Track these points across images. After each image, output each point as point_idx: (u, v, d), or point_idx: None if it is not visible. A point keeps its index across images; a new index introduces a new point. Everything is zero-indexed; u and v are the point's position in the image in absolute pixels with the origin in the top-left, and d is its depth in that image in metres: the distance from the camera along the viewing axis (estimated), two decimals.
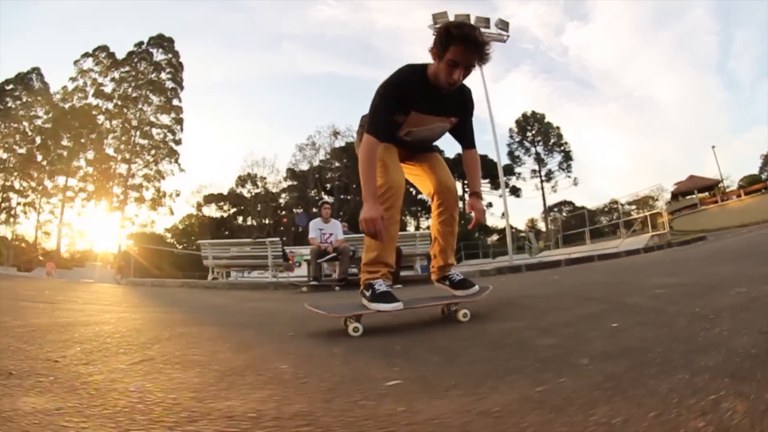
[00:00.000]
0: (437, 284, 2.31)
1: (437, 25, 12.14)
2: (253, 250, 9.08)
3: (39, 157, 36.39)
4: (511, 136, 46.24)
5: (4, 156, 35.91)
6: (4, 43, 48.54)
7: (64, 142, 36.13)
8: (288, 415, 0.91)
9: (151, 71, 39.18)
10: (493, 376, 1.11)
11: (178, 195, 40.40)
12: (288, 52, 65.69)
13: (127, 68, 38.50)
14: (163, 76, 39.78)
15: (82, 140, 36.29)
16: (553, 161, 45.66)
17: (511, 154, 45.64)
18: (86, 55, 37.80)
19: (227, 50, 68.23)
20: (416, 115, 2.04)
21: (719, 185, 34.54)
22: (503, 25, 12.97)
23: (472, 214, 2.20)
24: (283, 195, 44.61)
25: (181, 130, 40.10)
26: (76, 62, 37.66)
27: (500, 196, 43.23)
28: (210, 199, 44.07)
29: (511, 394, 0.96)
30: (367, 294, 1.99)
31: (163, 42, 39.95)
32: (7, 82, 36.28)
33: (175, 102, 40.06)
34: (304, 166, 43.45)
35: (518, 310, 2.44)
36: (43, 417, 0.90)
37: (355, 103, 60.12)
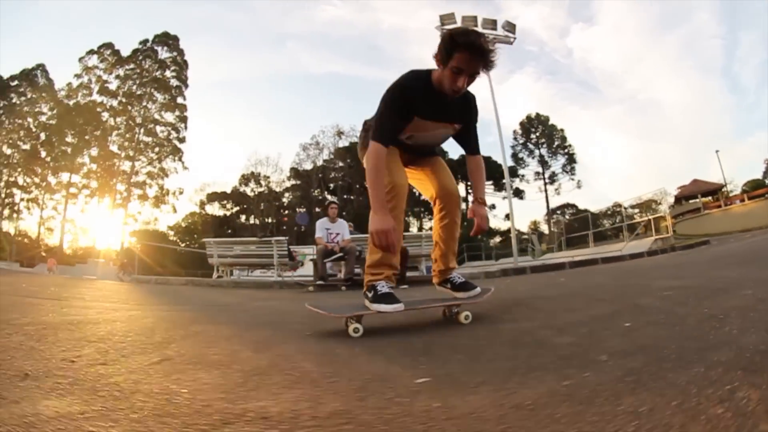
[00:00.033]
0: (439, 288, 2.30)
1: (444, 27, 12.21)
2: (259, 249, 9.14)
3: (43, 154, 36.59)
4: (515, 138, 46.30)
5: (8, 152, 36.09)
6: (10, 39, 48.70)
7: (68, 139, 36.31)
8: (325, 414, 0.91)
9: (155, 69, 39.37)
10: (519, 373, 1.14)
11: (181, 193, 40.76)
12: (293, 51, 65.96)
13: (131, 66, 38.67)
14: (168, 74, 39.99)
15: (86, 137, 36.44)
16: (557, 164, 45.74)
17: (514, 156, 45.64)
18: (91, 52, 38.03)
19: (232, 49, 68.32)
20: (420, 121, 2.03)
21: (723, 189, 34.49)
22: (510, 27, 12.98)
23: (475, 220, 2.18)
24: (287, 194, 44.76)
25: (185, 128, 40.38)
26: (81, 59, 37.94)
27: (504, 198, 43.40)
28: (213, 197, 44.22)
29: (540, 388, 1.00)
30: (369, 295, 1.98)
31: (168, 40, 40.11)
32: (12, 78, 36.54)
33: (179, 100, 40.30)
34: (308, 166, 43.63)
35: (530, 311, 2.47)
36: (68, 422, 0.86)
37: (359, 103, 60.37)
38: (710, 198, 33.67)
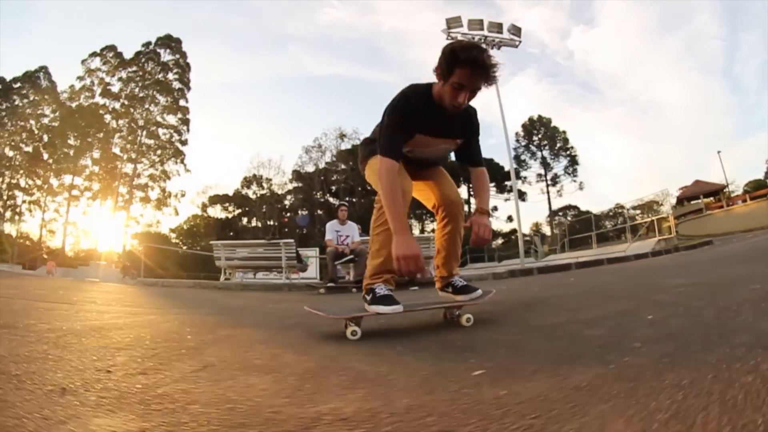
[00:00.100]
0: (441, 293, 2.29)
1: (450, 30, 12.30)
2: (266, 251, 9.18)
3: (45, 156, 36.66)
4: (517, 140, 46.26)
5: (11, 154, 36.18)
6: (12, 41, 48.93)
7: (71, 141, 36.39)
8: (401, 410, 0.91)
9: (158, 71, 39.41)
10: (564, 361, 1.22)
11: (183, 195, 40.74)
12: (294, 53, 66.26)
13: (134, 68, 38.73)
14: (171, 76, 40.02)
15: (89, 139, 36.53)
16: (559, 165, 45.78)
17: (517, 158, 45.60)
18: (94, 54, 38.11)
19: (234, 51, 68.62)
20: (421, 137, 2.01)
21: (725, 190, 34.53)
22: (515, 30, 12.99)
23: (473, 229, 2.06)
24: (289, 197, 44.76)
25: (188, 130, 40.37)
26: (83, 61, 37.99)
27: (506, 200, 43.63)
28: (215, 199, 44.24)
29: (589, 372, 1.08)
30: (368, 298, 1.98)
31: (170, 42, 40.21)
32: (15, 80, 36.66)
33: (181, 102, 40.29)
34: (310, 168, 43.56)
35: (552, 308, 2.54)
36: None
37: (361, 106, 60.66)
38: (712, 199, 33.70)
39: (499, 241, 43.44)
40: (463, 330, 1.92)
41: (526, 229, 46.51)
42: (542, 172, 45.67)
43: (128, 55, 38.76)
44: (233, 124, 68.06)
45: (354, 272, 6.55)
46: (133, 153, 38.34)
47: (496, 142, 55.37)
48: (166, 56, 40.05)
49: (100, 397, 1.03)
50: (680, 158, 66.69)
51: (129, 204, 38.01)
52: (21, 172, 36.46)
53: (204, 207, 44.34)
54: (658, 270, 4.97)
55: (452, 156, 2.25)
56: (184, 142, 40.09)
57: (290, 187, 44.42)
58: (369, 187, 2.16)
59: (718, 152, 35.86)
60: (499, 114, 13.41)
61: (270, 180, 43.50)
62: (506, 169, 43.94)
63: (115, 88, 38.03)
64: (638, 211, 31.39)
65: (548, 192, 45.15)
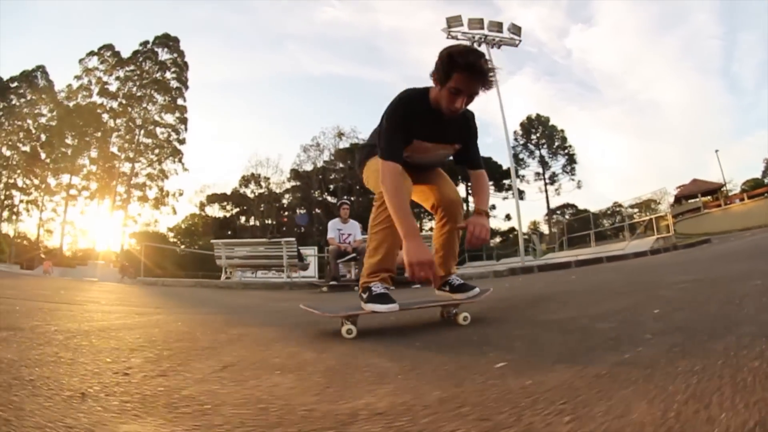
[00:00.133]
0: (438, 292, 2.26)
1: (451, 30, 12.34)
2: (268, 250, 9.21)
3: (43, 155, 36.56)
4: (515, 139, 46.42)
5: (8, 153, 36.07)
6: (10, 40, 48.72)
7: (68, 141, 36.30)
8: (435, 402, 0.92)
9: (156, 70, 39.39)
10: (581, 353, 1.27)
11: (181, 194, 40.77)
12: (292, 52, 66.26)
13: (132, 67, 38.68)
14: (168, 75, 40.03)
15: (86, 139, 36.45)
16: (557, 164, 45.98)
17: (515, 156, 45.73)
18: (91, 53, 38.07)
19: (232, 50, 68.65)
20: (419, 143, 1.99)
21: (722, 189, 34.74)
22: (515, 29, 13.05)
23: (468, 228, 2.02)
24: (287, 195, 44.77)
25: (185, 129, 40.39)
26: (81, 61, 37.95)
27: (505, 198, 43.76)
28: (213, 198, 44.26)
29: (607, 361, 1.13)
30: (365, 296, 1.97)
31: (168, 41, 40.15)
32: (12, 79, 36.51)
33: (179, 101, 40.29)
34: (308, 167, 43.53)
35: (559, 304, 2.59)
36: None
37: (360, 105, 60.78)
38: (710, 197, 33.90)
39: (497, 239, 43.58)
40: (476, 326, 1.94)
41: (524, 227, 46.66)
42: (540, 170, 45.95)
43: (126, 54, 38.80)
44: (231, 123, 68.04)
45: (356, 270, 6.59)
46: (131, 152, 38.32)
47: (493, 141, 55.42)
48: (163, 55, 40.08)
49: (123, 402, 0.98)
50: (678, 157, 67.13)
51: (127, 203, 38.06)
52: (18, 171, 36.36)
53: (202, 206, 44.44)
54: (659, 268, 5.02)
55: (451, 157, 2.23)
56: (181, 141, 40.15)
57: (288, 186, 44.49)
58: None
59: (716, 151, 36.10)
60: (496, 113, 13.45)
61: (268, 179, 43.58)
62: (504, 167, 44.20)
63: (113, 87, 38.07)
64: (636, 210, 31.55)
65: (546, 190, 45.40)
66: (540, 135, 46.79)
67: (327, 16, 63.44)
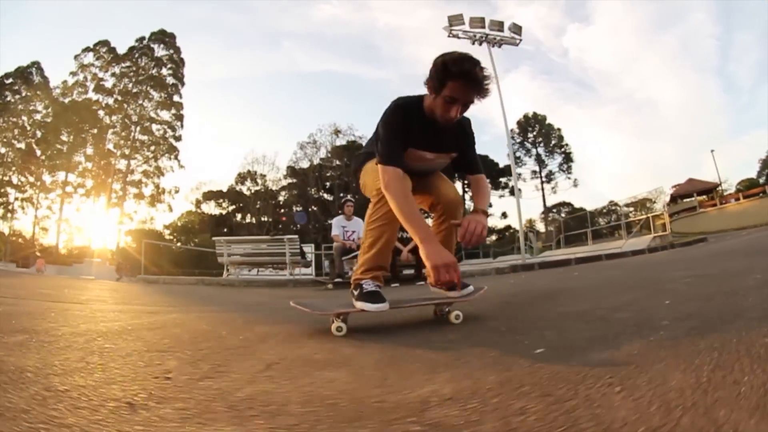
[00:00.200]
0: (433, 289, 2.20)
1: (452, 28, 12.42)
2: (270, 248, 9.27)
3: (38, 152, 36.31)
4: (512, 137, 46.61)
5: (3, 150, 35.80)
6: (4, 36, 48.30)
7: (64, 137, 36.08)
8: (496, 385, 0.98)
9: (152, 67, 39.16)
10: (608, 339, 1.36)
11: (177, 191, 40.59)
12: (289, 50, 66.31)
13: (127, 63, 38.43)
14: (164, 71, 39.79)
15: (82, 135, 36.26)
16: (554, 162, 46.27)
17: (512, 154, 45.98)
18: (87, 49, 37.77)
19: (228, 47, 68.60)
20: (415, 152, 1.97)
21: (718, 188, 35.11)
22: (516, 29, 13.14)
23: (462, 224, 1.93)
24: (283, 193, 44.74)
25: (182, 126, 40.25)
26: (76, 57, 37.67)
27: (501, 196, 43.95)
28: (209, 196, 44.21)
29: (634, 344, 1.24)
30: (355, 293, 1.96)
31: (164, 38, 39.94)
32: (7, 76, 36.13)
33: (175, 98, 40.09)
34: (305, 164, 43.50)
35: (570, 299, 2.69)
36: None
37: (356, 102, 60.85)
38: (705, 197, 34.26)
39: (494, 237, 43.80)
40: (500, 319, 2.01)
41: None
42: (537, 168, 46.19)
43: (122, 50, 38.55)
44: (227, 120, 68.13)
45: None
46: (127, 149, 38.15)
47: (489, 139, 55.67)
48: (159, 51, 39.84)
49: (179, 409, 0.91)
50: (674, 156, 67.65)
51: (122, 200, 37.88)
52: (13, 168, 36.08)
53: (198, 203, 44.38)
54: (658, 265, 5.15)
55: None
56: (178, 138, 40.03)
57: (285, 183, 44.47)
58: None
59: (712, 151, 36.61)
60: (493, 111, 13.59)
61: (264, 176, 43.52)
62: (501, 165, 44.43)
63: (109, 83, 37.80)
64: (632, 209, 31.84)
65: (543, 189, 45.66)
66: (537, 133, 47.06)
67: (324, 14, 63.51)
